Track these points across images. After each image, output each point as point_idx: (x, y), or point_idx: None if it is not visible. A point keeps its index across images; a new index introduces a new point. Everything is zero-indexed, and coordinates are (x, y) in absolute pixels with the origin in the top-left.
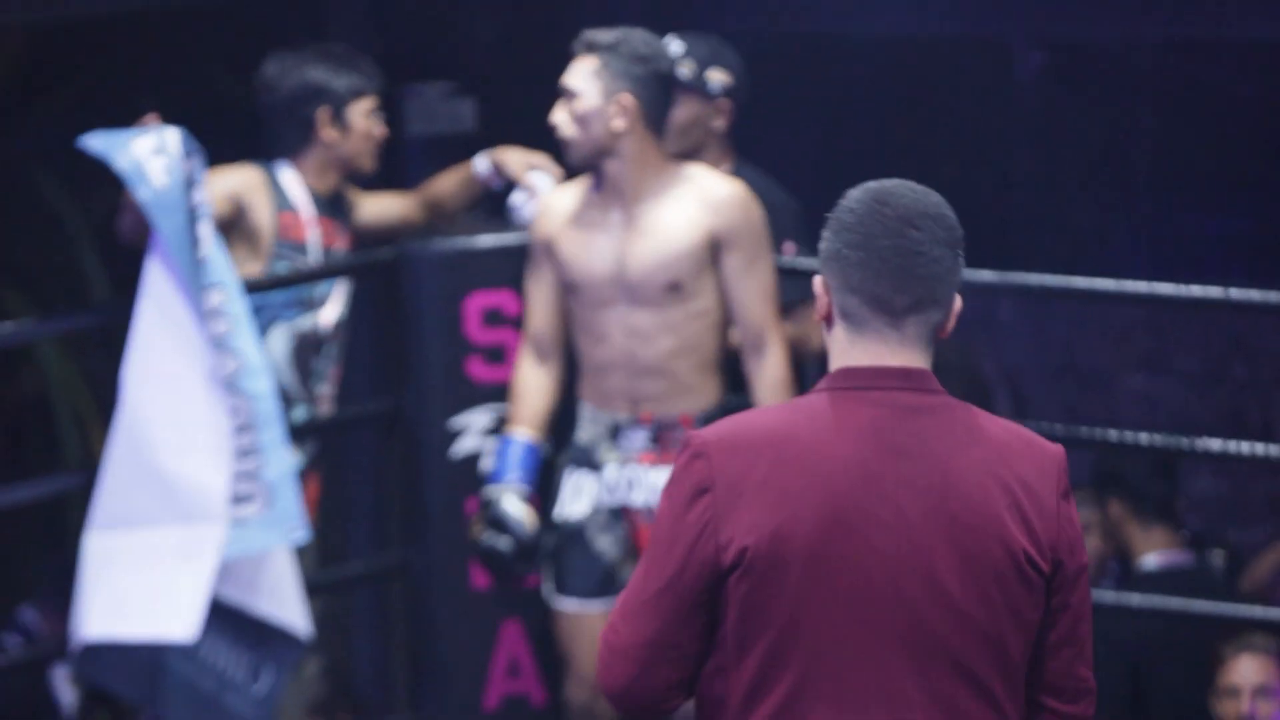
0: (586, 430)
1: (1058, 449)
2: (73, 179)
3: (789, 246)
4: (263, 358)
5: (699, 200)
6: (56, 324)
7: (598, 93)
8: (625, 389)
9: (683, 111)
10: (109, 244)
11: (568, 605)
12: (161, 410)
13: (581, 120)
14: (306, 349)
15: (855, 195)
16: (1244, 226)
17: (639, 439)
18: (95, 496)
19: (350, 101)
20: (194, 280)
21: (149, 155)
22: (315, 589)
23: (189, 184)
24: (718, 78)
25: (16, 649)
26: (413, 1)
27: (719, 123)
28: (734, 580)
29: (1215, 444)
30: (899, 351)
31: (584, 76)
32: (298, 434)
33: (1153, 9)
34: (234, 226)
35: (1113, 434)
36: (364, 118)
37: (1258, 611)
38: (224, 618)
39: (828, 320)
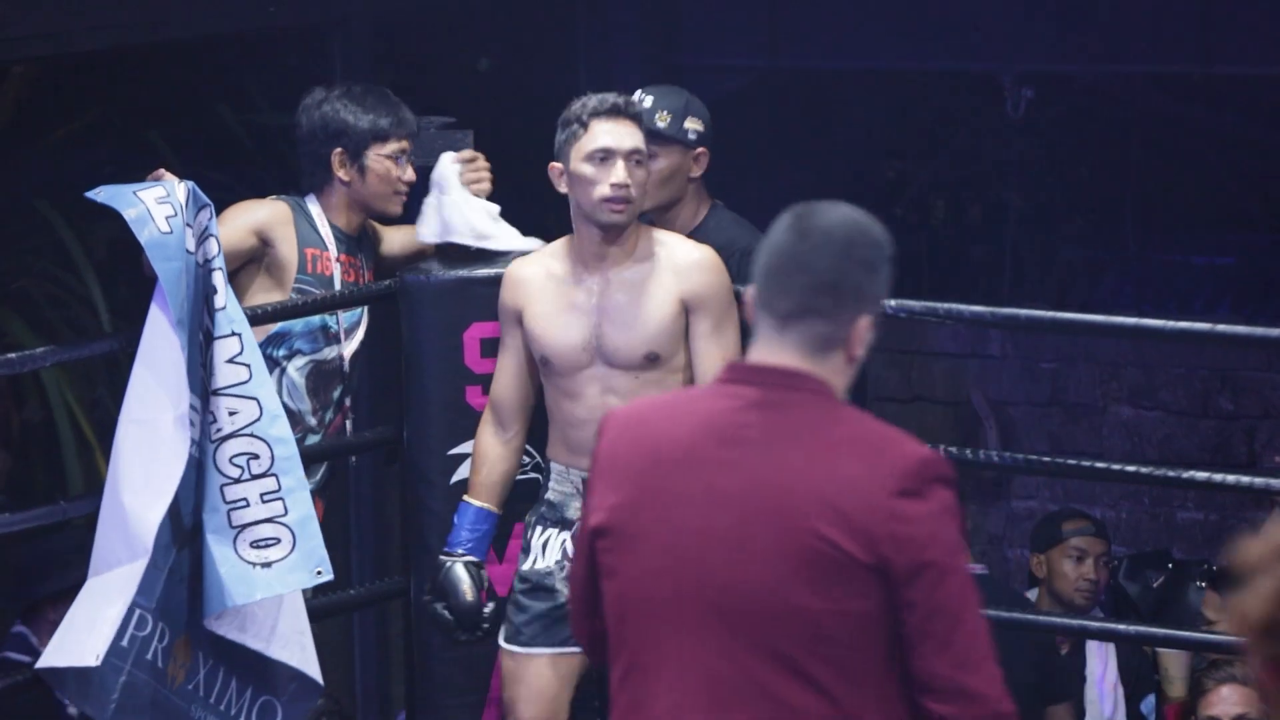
0: (555, 489)
1: (913, 452)
2: (78, 210)
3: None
4: (279, 403)
5: (670, 267)
6: (61, 352)
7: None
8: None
9: (664, 162)
10: (113, 274)
11: (524, 651)
12: (134, 451)
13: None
14: (328, 380)
15: (791, 208)
16: (1230, 261)
17: None
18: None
19: (370, 144)
20: (184, 324)
21: (154, 204)
22: (315, 614)
23: (202, 237)
24: (693, 127)
25: (21, 665)
26: (413, 36)
27: (696, 171)
28: (596, 550)
29: (1201, 475)
30: (780, 354)
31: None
32: (307, 461)
33: (1140, 45)
34: (259, 260)
35: (1099, 465)
36: (383, 161)
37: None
38: (237, 660)
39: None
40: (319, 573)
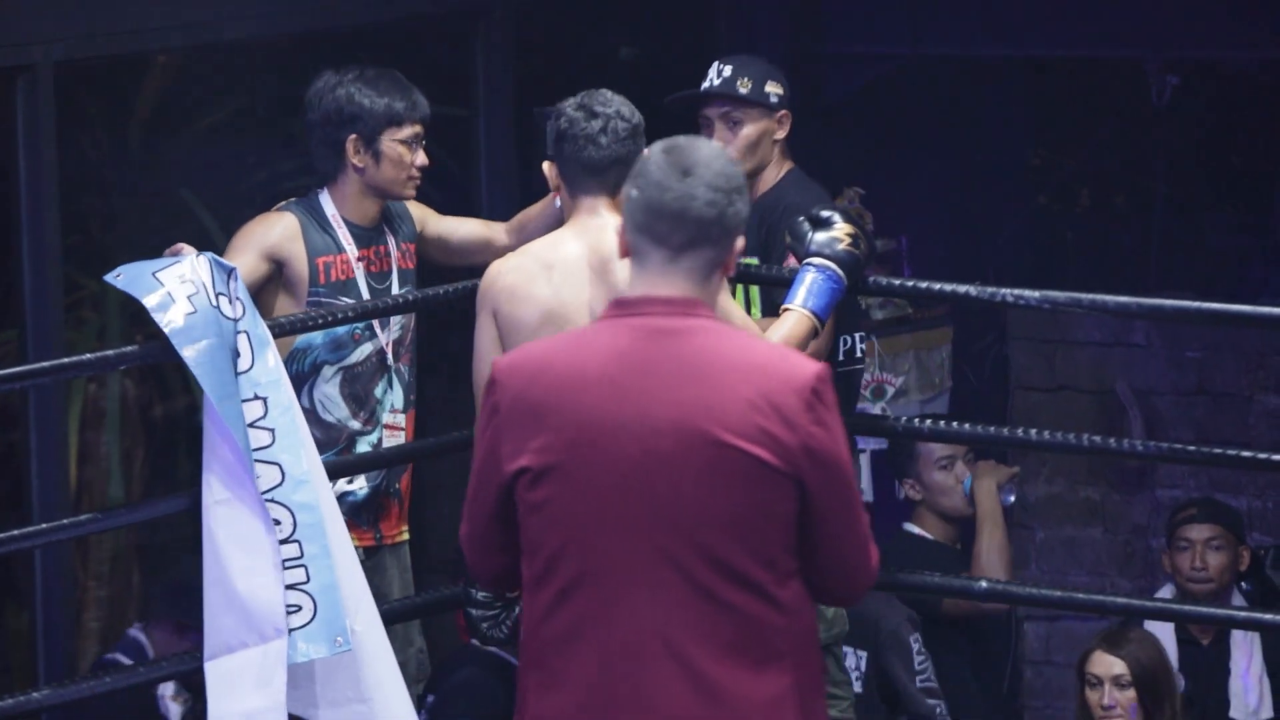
0: None
1: (812, 369)
2: (221, 199)
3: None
4: (304, 468)
5: None
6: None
7: None
8: None
9: (751, 128)
10: None
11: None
12: (226, 536)
13: None
14: (366, 380)
15: (653, 147)
16: None
17: None
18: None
19: (384, 129)
20: (229, 399)
21: (176, 284)
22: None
23: (232, 301)
24: (774, 90)
25: (128, 666)
26: (554, 24)
27: (780, 133)
28: (519, 489)
29: None
30: (672, 283)
31: None
32: (364, 464)
33: None
34: (276, 279)
35: (1245, 454)
36: (396, 146)
37: None
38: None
39: (626, 256)
40: (338, 642)
